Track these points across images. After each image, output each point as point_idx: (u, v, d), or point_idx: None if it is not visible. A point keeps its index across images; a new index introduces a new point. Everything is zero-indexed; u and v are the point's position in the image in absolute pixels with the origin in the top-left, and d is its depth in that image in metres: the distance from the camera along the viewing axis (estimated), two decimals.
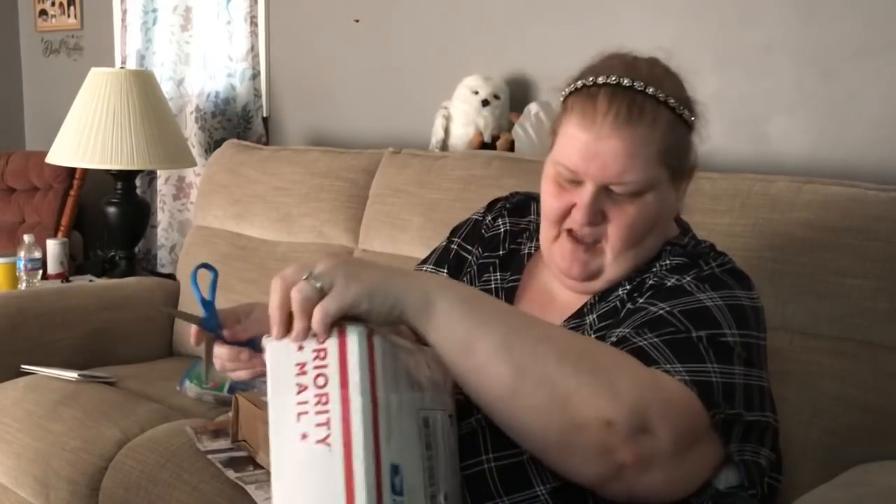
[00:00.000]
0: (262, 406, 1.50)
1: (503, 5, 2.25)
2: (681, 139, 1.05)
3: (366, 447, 0.75)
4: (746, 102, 1.86)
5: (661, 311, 0.96)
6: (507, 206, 1.30)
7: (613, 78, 1.02)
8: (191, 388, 1.98)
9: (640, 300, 1.01)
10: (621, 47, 1.10)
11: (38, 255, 2.58)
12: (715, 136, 1.88)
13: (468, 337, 0.83)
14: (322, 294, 0.79)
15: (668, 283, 1.02)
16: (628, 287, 1.06)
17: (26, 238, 2.59)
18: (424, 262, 1.35)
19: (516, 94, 2.20)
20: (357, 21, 2.57)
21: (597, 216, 1.03)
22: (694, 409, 0.89)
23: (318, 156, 2.32)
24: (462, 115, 2.18)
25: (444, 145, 2.23)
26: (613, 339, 0.96)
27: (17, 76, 3.80)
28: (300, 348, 0.80)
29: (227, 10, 2.84)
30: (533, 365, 0.84)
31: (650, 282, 1.04)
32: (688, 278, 1.01)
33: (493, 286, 1.20)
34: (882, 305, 1.37)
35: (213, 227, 2.46)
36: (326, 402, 0.77)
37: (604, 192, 1.02)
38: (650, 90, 1.01)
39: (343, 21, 2.59)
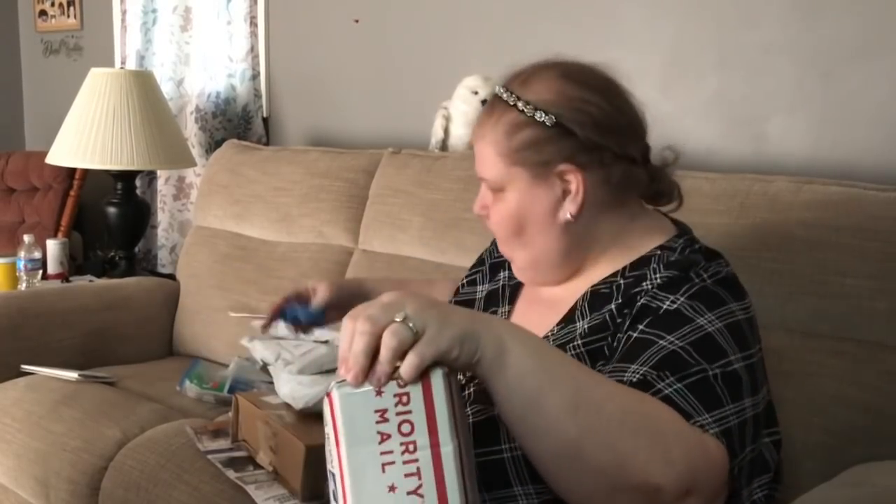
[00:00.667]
0: (263, 406, 1.50)
1: (503, 5, 2.25)
2: (534, 138, 1.07)
3: (460, 494, 0.74)
4: (746, 102, 1.86)
5: (673, 347, 0.96)
6: None
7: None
8: (191, 388, 1.98)
9: (641, 326, 1.00)
10: (559, 54, 1.14)
11: (38, 255, 2.58)
12: (715, 136, 1.90)
13: (537, 393, 0.82)
14: (416, 337, 0.77)
15: (665, 307, 1.01)
16: (620, 301, 1.05)
17: (26, 238, 2.59)
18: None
19: None
20: (357, 21, 2.57)
21: (482, 209, 1.16)
22: (725, 463, 0.91)
23: (318, 156, 2.32)
24: (462, 115, 2.18)
25: (444, 145, 2.23)
26: (633, 377, 0.95)
27: (17, 76, 3.80)
28: (378, 394, 0.75)
29: (226, 10, 2.84)
30: (597, 427, 0.84)
31: (642, 300, 1.03)
32: (682, 298, 1.00)
33: (500, 283, 1.25)
34: (882, 305, 1.37)
35: (214, 228, 2.46)
36: (414, 451, 0.74)
37: (489, 189, 1.14)
38: (504, 95, 1.10)
39: (343, 21, 2.59)
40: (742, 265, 1.12)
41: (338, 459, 0.75)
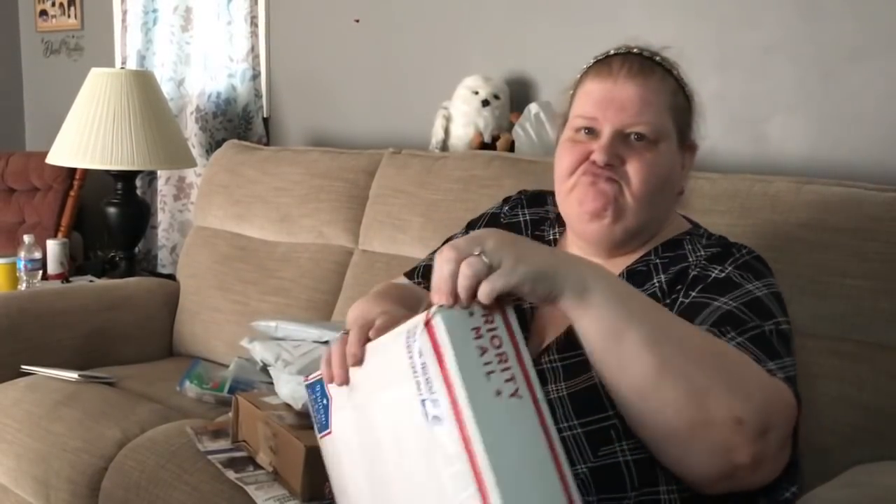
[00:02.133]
0: (263, 406, 1.51)
1: (503, 5, 2.25)
2: (685, 106, 1.13)
3: (541, 392, 0.83)
4: (746, 102, 1.86)
5: (727, 307, 1.00)
6: (523, 198, 1.34)
7: (625, 48, 1.13)
8: (191, 388, 1.98)
9: (693, 293, 1.04)
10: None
11: (38, 255, 2.58)
12: (715, 136, 1.89)
13: (618, 327, 0.86)
14: (490, 270, 0.83)
15: (714, 275, 1.05)
16: (663, 277, 1.09)
17: (26, 238, 2.59)
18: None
19: (516, 94, 2.20)
20: (357, 21, 2.57)
21: (615, 157, 1.07)
22: (795, 406, 0.93)
23: (318, 156, 2.32)
24: (462, 115, 2.18)
25: (444, 146, 2.23)
26: None
27: (17, 76, 3.80)
28: (470, 315, 0.84)
29: (227, 10, 2.84)
30: (676, 359, 0.87)
31: (693, 273, 1.07)
32: (730, 268, 1.05)
33: None
34: (882, 305, 1.37)
35: (214, 228, 2.46)
36: (506, 360, 0.83)
37: (619, 138, 1.08)
38: (657, 58, 1.12)
39: (343, 21, 2.59)
40: None
41: (443, 379, 0.81)
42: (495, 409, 0.80)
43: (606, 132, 1.08)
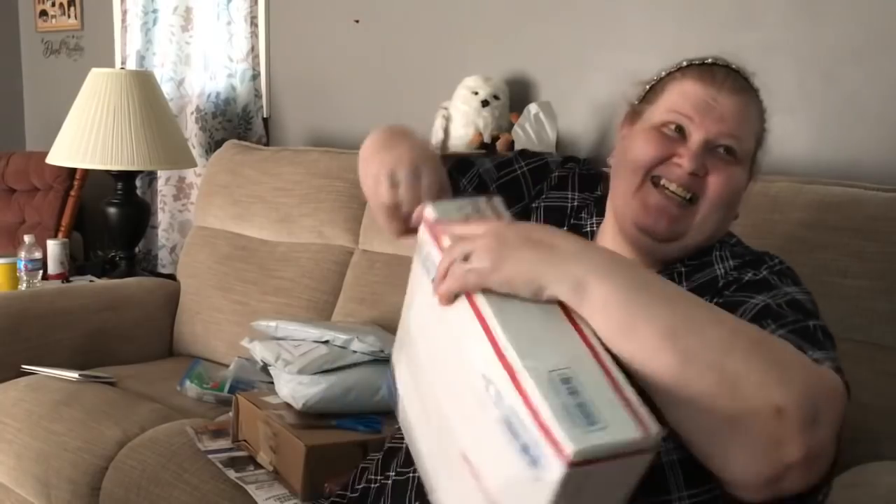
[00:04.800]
0: (263, 406, 1.51)
1: (503, 5, 2.25)
2: (763, 136, 1.12)
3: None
4: None
5: (766, 302, 0.95)
6: (576, 174, 1.27)
7: (723, 61, 1.12)
8: (191, 388, 1.98)
9: (728, 292, 1.00)
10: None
11: (38, 255, 2.58)
12: None
13: (627, 322, 0.79)
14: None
15: (747, 278, 1.01)
16: (685, 286, 1.04)
17: (27, 238, 2.59)
18: (485, 155, 1.34)
19: (516, 95, 2.20)
20: (357, 21, 2.57)
21: (702, 167, 1.04)
22: (843, 394, 0.86)
23: (318, 156, 2.32)
24: (462, 115, 2.18)
25: (444, 146, 2.23)
26: None
27: (17, 76, 3.80)
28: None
29: (227, 10, 2.84)
30: (701, 350, 0.79)
31: (723, 281, 1.03)
32: (765, 272, 1.02)
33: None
34: (882, 305, 1.37)
35: (214, 228, 2.46)
36: None
37: (707, 148, 1.05)
38: (755, 85, 1.12)
39: (343, 21, 2.60)
40: None
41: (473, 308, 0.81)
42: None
43: (697, 139, 1.05)
